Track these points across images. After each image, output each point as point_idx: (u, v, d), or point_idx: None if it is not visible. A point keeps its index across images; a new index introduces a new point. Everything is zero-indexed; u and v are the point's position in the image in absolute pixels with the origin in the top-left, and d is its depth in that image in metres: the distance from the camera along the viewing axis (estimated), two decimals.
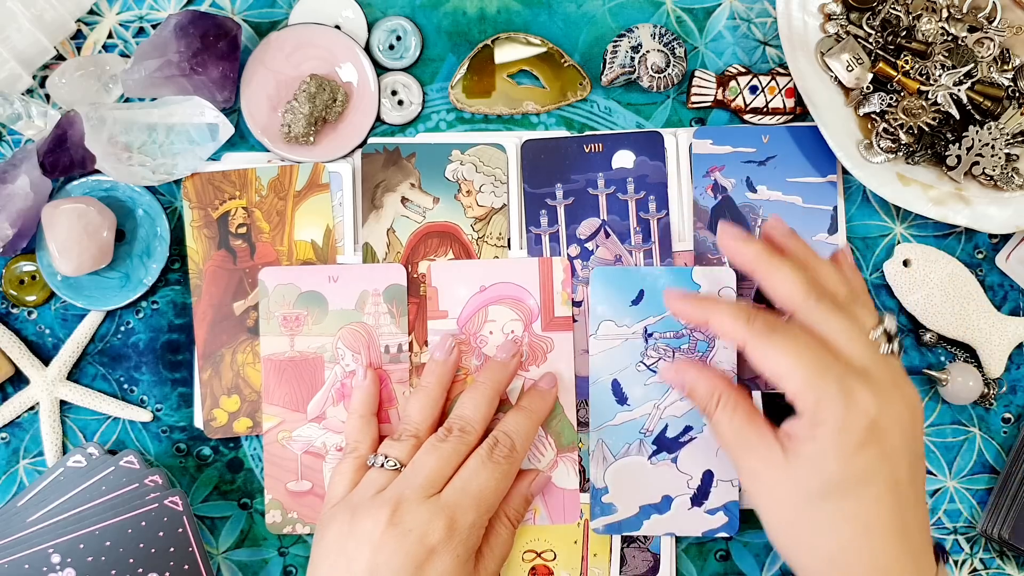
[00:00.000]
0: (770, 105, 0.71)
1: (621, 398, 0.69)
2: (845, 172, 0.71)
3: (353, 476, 0.65)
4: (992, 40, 0.69)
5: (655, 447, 0.69)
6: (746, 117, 0.71)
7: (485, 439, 0.64)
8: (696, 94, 0.71)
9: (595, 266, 0.70)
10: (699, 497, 0.69)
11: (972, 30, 0.70)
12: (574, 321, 0.70)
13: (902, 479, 0.57)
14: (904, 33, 0.70)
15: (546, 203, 0.71)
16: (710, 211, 0.71)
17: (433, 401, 0.67)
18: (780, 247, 0.64)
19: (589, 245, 0.70)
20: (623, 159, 0.71)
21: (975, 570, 0.72)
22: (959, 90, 0.68)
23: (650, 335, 0.69)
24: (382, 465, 0.63)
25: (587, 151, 0.71)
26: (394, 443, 0.65)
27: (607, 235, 0.70)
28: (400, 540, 0.59)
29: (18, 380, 0.71)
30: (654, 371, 0.69)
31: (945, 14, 0.70)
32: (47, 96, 0.71)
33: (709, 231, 0.71)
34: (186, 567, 0.66)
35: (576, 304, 0.70)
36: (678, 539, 0.71)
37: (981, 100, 0.69)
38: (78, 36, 0.72)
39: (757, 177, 0.71)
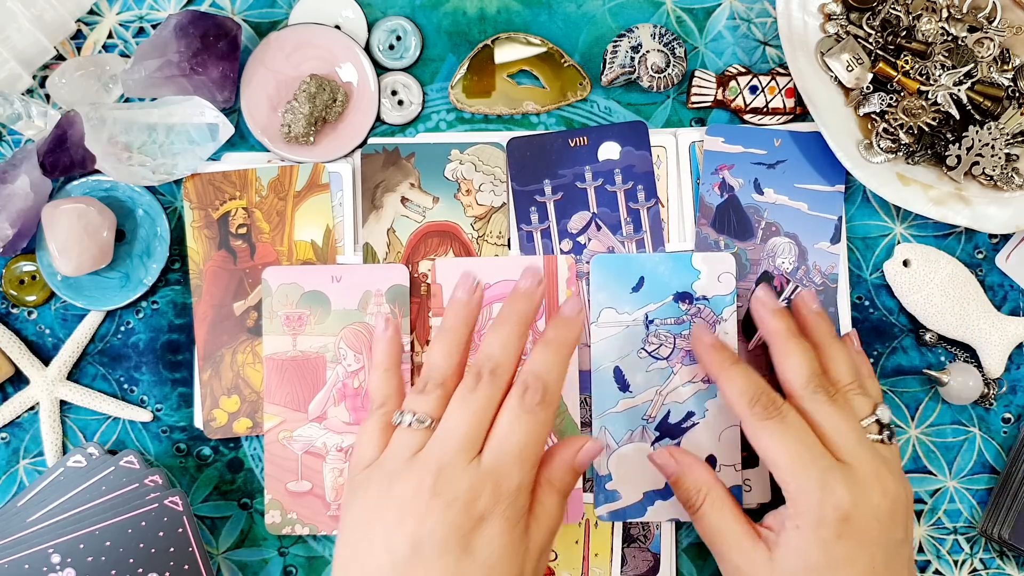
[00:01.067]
0: (770, 105, 0.71)
1: (623, 385, 0.69)
2: (845, 172, 0.71)
3: (382, 435, 0.60)
4: (992, 40, 0.69)
5: (658, 433, 0.69)
6: (746, 117, 0.71)
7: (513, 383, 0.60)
8: (696, 94, 0.71)
9: (586, 262, 0.70)
10: None
11: (972, 30, 0.70)
12: None
13: (879, 566, 0.59)
14: (904, 33, 0.70)
15: (535, 200, 0.71)
16: (715, 209, 0.71)
17: (458, 345, 0.61)
18: (803, 322, 0.66)
19: (581, 239, 0.70)
20: (609, 151, 0.71)
21: (975, 570, 0.72)
22: (959, 90, 0.68)
23: (651, 322, 0.69)
24: (410, 424, 0.58)
25: (573, 145, 0.71)
26: (420, 396, 0.60)
27: (598, 227, 0.70)
28: (445, 510, 0.55)
29: (18, 380, 0.71)
30: (656, 357, 0.69)
31: (945, 14, 0.70)
32: (47, 96, 0.71)
33: (712, 229, 0.71)
34: (186, 567, 0.66)
35: None
36: (678, 539, 0.71)
37: (981, 100, 0.69)
38: (78, 36, 0.72)
39: (765, 179, 0.71)
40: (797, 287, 0.70)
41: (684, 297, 0.69)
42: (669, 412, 0.69)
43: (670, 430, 0.69)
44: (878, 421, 0.62)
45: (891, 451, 0.62)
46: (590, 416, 0.69)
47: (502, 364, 0.59)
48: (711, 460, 0.69)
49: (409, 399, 0.60)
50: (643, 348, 0.69)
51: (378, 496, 0.57)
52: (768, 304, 0.65)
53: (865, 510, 0.59)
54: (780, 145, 0.71)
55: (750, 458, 0.69)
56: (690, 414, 0.69)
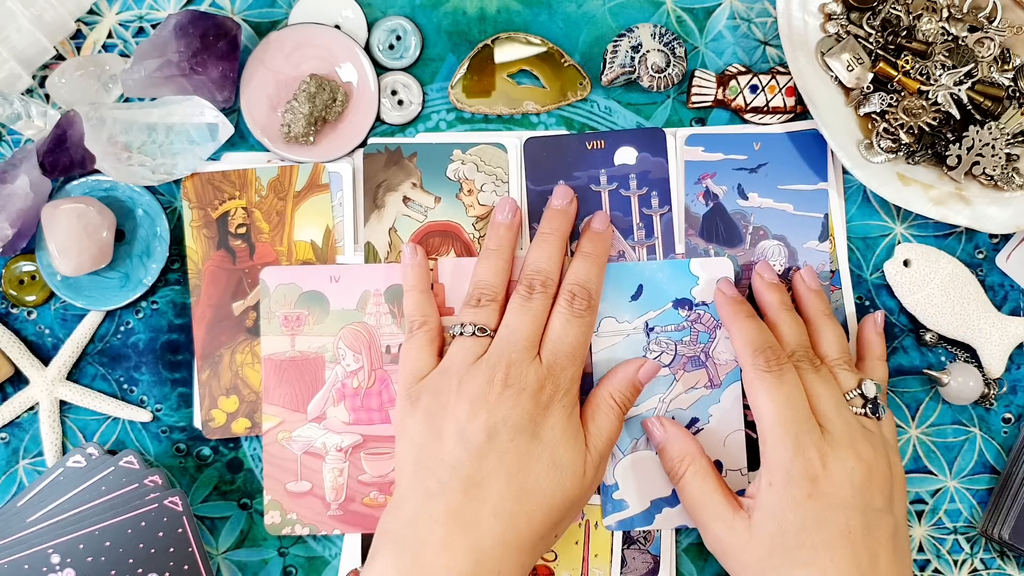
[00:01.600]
0: (770, 104, 0.71)
1: None
2: (845, 172, 0.71)
3: (431, 349, 0.66)
4: (992, 40, 0.69)
5: None
6: (747, 116, 0.71)
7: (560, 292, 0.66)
8: (696, 94, 0.71)
9: None
10: None
11: (972, 30, 0.70)
12: None
13: (855, 530, 0.60)
14: (904, 33, 0.70)
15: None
16: (701, 218, 0.71)
17: (504, 263, 0.67)
18: (798, 298, 0.69)
19: None
20: (625, 155, 0.71)
21: (975, 570, 0.72)
22: (959, 90, 0.68)
23: (651, 329, 0.69)
24: (473, 333, 0.65)
25: (589, 148, 0.71)
26: (475, 310, 0.66)
27: None
28: (516, 398, 0.62)
29: (18, 380, 0.71)
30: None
31: (945, 14, 0.70)
32: (47, 96, 0.71)
33: (700, 238, 0.71)
34: (186, 567, 0.66)
35: None
36: (679, 540, 0.71)
37: (981, 100, 0.69)
38: (78, 36, 0.72)
39: (748, 184, 0.71)
40: (789, 288, 0.70)
41: (683, 303, 0.69)
42: (673, 419, 0.69)
43: None
44: (862, 394, 0.65)
45: (877, 426, 0.65)
46: None
47: (549, 276, 0.66)
48: (717, 465, 0.69)
49: (465, 312, 0.66)
50: (644, 356, 0.69)
51: (446, 396, 0.63)
52: (765, 277, 0.68)
53: (836, 473, 0.61)
54: (760, 148, 0.71)
55: (755, 462, 0.69)
56: (694, 420, 0.69)
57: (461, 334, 0.65)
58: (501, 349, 0.63)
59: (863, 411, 0.64)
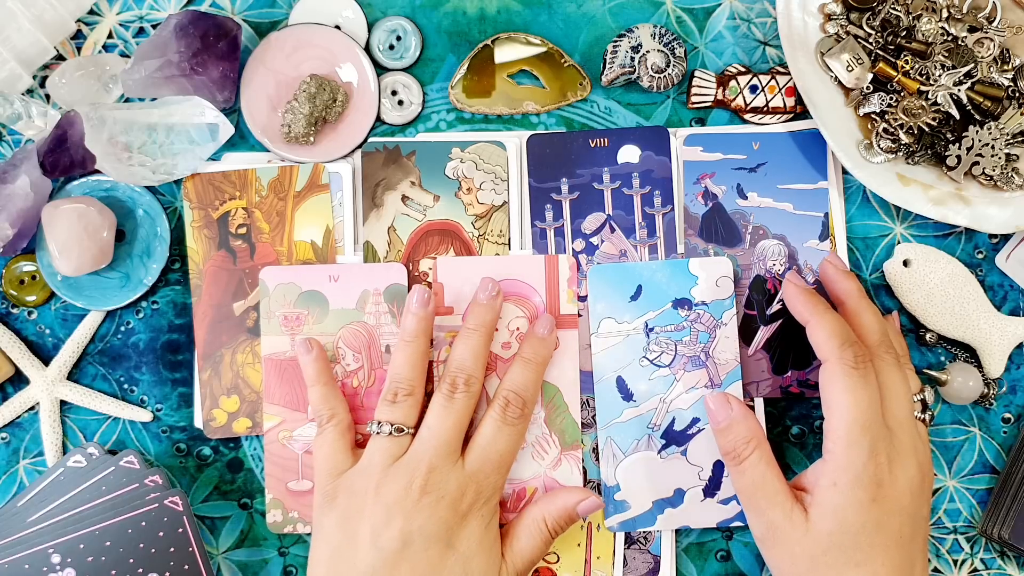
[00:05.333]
0: (770, 104, 0.71)
1: (627, 395, 0.69)
2: (845, 172, 0.72)
3: (344, 443, 0.65)
4: (992, 40, 0.69)
5: (664, 441, 0.69)
6: (746, 117, 0.71)
7: (494, 398, 0.65)
8: (696, 94, 0.71)
9: (597, 262, 0.70)
10: (711, 488, 0.69)
11: (972, 30, 0.70)
12: (579, 316, 0.70)
13: (905, 536, 0.61)
14: (904, 33, 0.70)
15: (551, 198, 0.71)
16: (700, 218, 0.71)
17: (421, 354, 0.66)
18: (833, 284, 0.67)
19: (594, 240, 0.70)
20: (629, 154, 0.71)
21: (975, 570, 0.72)
22: (959, 90, 0.68)
23: (651, 330, 0.69)
24: (390, 433, 0.63)
25: (592, 146, 0.71)
26: (392, 407, 0.64)
27: (612, 230, 0.70)
28: (434, 507, 0.61)
29: (18, 380, 0.71)
30: (658, 365, 0.69)
31: (945, 14, 0.70)
32: (47, 96, 0.71)
33: (700, 238, 0.71)
34: (186, 567, 0.66)
35: (582, 299, 0.70)
36: (679, 540, 0.71)
37: (981, 100, 0.69)
38: (78, 36, 0.72)
39: (748, 184, 0.71)
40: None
41: (683, 303, 0.69)
42: (674, 419, 0.69)
43: (676, 437, 0.69)
44: (923, 400, 0.65)
45: (925, 432, 0.64)
46: (592, 417, 0.69)
47: (473, 374, 0.65)
48: (719, 465, 0.69)
49: (381, 410, 0.64)
50: (644, 357, 0.69)
51: (363, 498, 0.62)
52: (838, 266, 0.66)
53: (901, 479, 0.61)
54: (759, 148, 0.71)
55: None
56: (695, 420, 0.69)
57: (378, 433, 0.64)
58: (422, 452, 0.62)
59: (923, 417, 0.64)
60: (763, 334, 0.70)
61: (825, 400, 0.62)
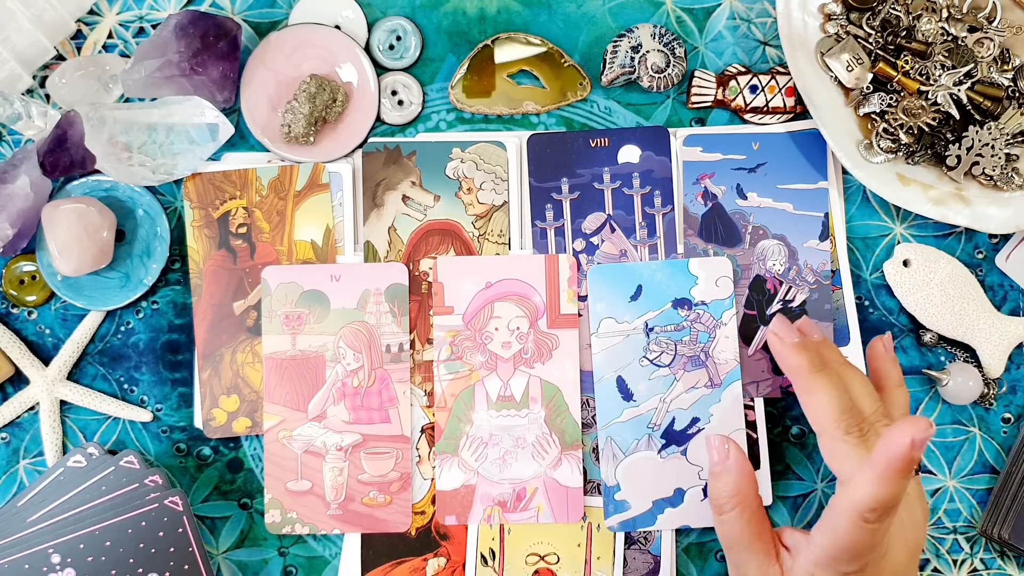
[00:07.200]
0: (770, 104, 0.71)
1: (627, 395, 0.69)
2: (845, 172, 0.72)
3: None
4: (992, 40, 0.69)
5: (664, 441, 0.69)
6: (746, 117, 0.71)
7: None
8: (696, 94, 0.71)
9: (597, 262, 0.70)
10: None
11: (972, 30, 0.70)
12: (579, 316, 0.70)
13: None
14: (904, 33, 0.70)
15: (552, 197, 0.71)
16: (700, 218, 0.71)
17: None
18: (820, 354, 0.62)
19: (595, 239, 0.70)
20: (629, 154, 0.71)
21: (975, 570, 0.72)
22: (959, 90, 0.68)
23: (651, 329, 0.69)
24: None
25: (593, 146, 0.71)
26: None
27: (612, 230, 0.70)
28: None
29: (18, 380, 0.71)
30: (658, 365, 0.69)
31: (945, 14, 0.70)
32: (47, 96, 0.71)
33: (699, 238, 0.71)
34: (186, 567, 0.66)
35: (582, 299, 0.70)
36: (679, 540, 0.71)
37: (981, 100, 0.69)
38: (78, 36, 0.72)
39: (747, 184, 0.71)
40: (791, 288, 0.70)
41: (683, 303, 0.69)
42: (674, 419, 0.69)
43: (676, 437, 0.69)
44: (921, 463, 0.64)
45: (919, 481, 0.63)
46: (592, 417, 0.69)
47: None
48: None
49: None
50: (644, 356, 0.69)
51: None
52: (786, 338, 0.62)
53: (891, 557, 0.59)
54: (759, 148, 0.71)
55: (755, 462, 0.69)
56: (695, 420, 0.69)
57: None
58: None
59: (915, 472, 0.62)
60: (763, 334, 0.70)
61: (831, 465, 0.60)
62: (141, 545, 0.65)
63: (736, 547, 0.63)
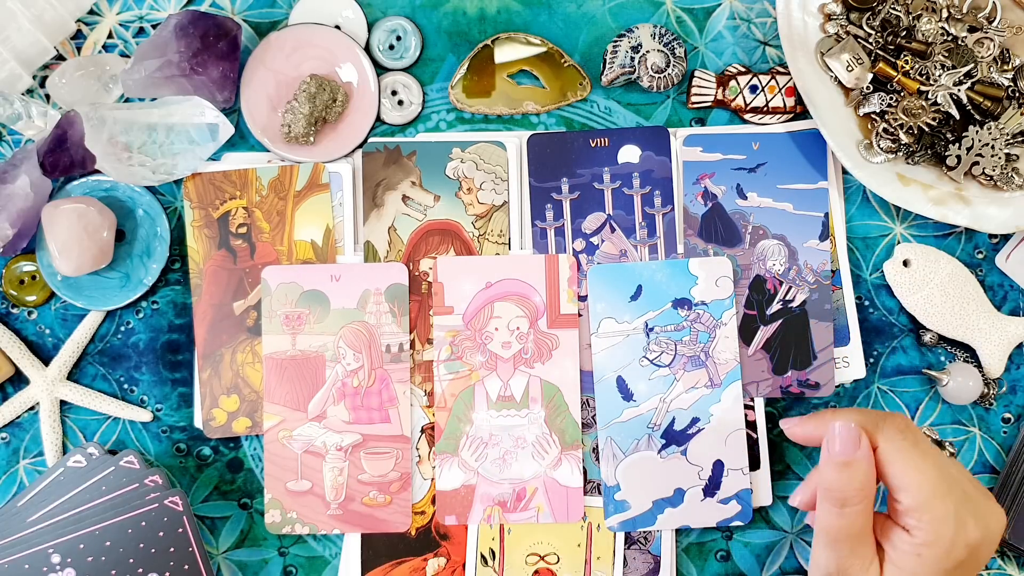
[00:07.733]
0: (770, 104, 0.71)
1: (627, 394, 0.69)
2: (845, 172, 0.72)
3: None
4: (992, 40, 0.69)
5: (664, 441, 0.69)
6: (746, 117, 0.71)
7: None
8: (696, 94, 0.71)
9: (597, 262, 0.70)
10: (711, 487, 0.69)
11: (972, 30, 0.70)
12: (579, 316, 0.70)
13: None
14: (904, 33, 0.70)
15: (552, 197, 0.71)
16: (700, 218, 0.71)
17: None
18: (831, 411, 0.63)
19: (595, 239, 0.70)
20: (629, 154, 0.71)
21: None
22: (959, 90, 0.68)
23: (651, 329, 0.69)
24: None
25: (593, 146, 0.71)
26: None
27: (612, 229, 0.70)
28: None
29: (18, 380, 0.71)
30: (657, 365, 0.69)
31: (945, 14, 0.70)
32: (47, 96, 0.71)
33: (699, 238, 0.71)
34: (186, 567, 0.66)
35: (582, 299, 0.70)
36: (679, 540, 0.71)
37: (981, 100, 0.69)
38: (78, 36, 0.72)
39: (747, 184, 0.71)
40: (791, 288, 0.70)
41: (683, 303, 0.69)
42: (674, 419, 0.69)
43: (676, 437, 0.69)
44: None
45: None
46: (592, 417, 0.69)
47: None
48: (718, 464, 0.69)
49: None
50: (644, 356, 0.69)
51: None
52: (800, 419, 0.63)
53: (987, 544, 0.58)
54: (759, 148, 0.71)
55: (755, 462, 0.69)
56: (695, 420, 0.69)
57: None
58: None
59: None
60: (763, 334, 0.70)
61: (893, 486, 0.59)
62: (141, 545, 0.65)
63: (848, 542, 0.59)
